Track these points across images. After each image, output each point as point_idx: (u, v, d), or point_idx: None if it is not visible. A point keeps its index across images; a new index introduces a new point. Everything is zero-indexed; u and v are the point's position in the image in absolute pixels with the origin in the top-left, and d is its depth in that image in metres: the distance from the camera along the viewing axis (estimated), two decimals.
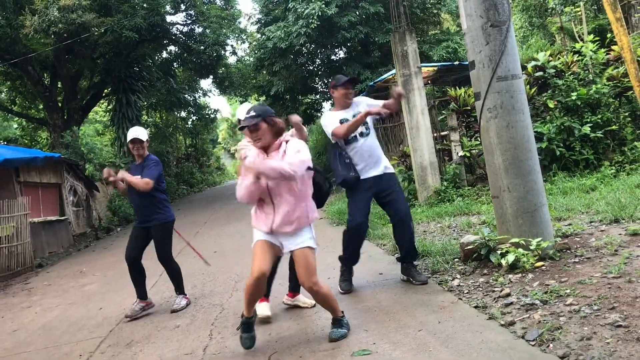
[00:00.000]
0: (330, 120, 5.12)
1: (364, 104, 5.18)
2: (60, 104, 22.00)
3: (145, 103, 26.99)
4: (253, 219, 4.01)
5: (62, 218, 14.73)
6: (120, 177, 5.44)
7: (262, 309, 4.60)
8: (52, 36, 17.11)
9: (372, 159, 5.06)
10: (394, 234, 5.27)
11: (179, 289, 5.80)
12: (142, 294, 5.70)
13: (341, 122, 5.08)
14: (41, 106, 24.02)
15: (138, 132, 5.64)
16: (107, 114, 27.48)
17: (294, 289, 4.87)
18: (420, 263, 5.87)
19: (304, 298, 4.83)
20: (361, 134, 5.04)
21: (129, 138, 5.63)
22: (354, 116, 5.03)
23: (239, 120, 4.42)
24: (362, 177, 5.04)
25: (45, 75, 22.71)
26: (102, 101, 26.84)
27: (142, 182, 5.40)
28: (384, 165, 5.12)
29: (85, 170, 18.05)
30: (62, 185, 15.42)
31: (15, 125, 29.01)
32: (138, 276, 5.67)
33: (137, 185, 5.39)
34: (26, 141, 26.24)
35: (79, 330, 5.52)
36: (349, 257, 5.29)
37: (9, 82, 23.74)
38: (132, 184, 5.41)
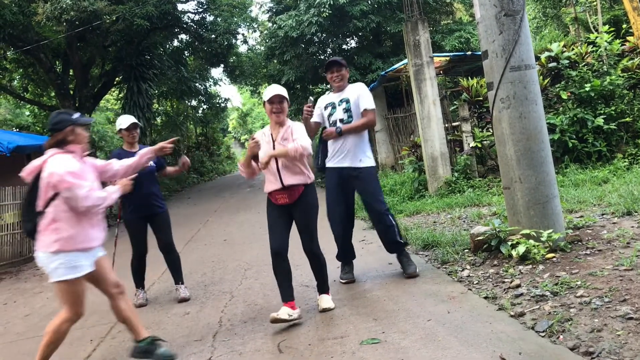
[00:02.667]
0: (317, 106, 5.30)
1: (356, 93, 5.07)
2: (71, 92, 22.07)
3: (156, 91, 26.98)
4: (77, 241, 3.52)
5: None
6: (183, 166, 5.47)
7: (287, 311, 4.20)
8: (64, 24, 17.12)
9: (347, 148, 5.02)
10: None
11: (181, 278, 5.73)
12: (143, 284, 5.79)
13: (326, 107, 5.20)
14: (53, 94, 24.13)
15: (132, 118, 5.61)
16: (119, 102, 27.57)
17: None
18: (430, 253, 5.87)
19: (327, 299, 4.54)
20: (341, 120, 5.06)
21: (124, 125, 5.48)
22: (341, 101, 5.08)
23: (265, 102, 4.41)
24: (332, 165, 5.10)
25: (57, 62, 22.78)
26: (113, 89, 26.90)
27: (185, 166, 5.50)
28: (359, 158, 5.03)
29: (96, 158, 18.11)
30: None
31: (28, 113, 29.19)
32: (144, 267, 5.74)
33: (178, 173, 5.62)
34: (38, 128, 26.39)
35: (90, 315, 5.54)
36: (340, 251, 5.29)
37: (21, 69, 23.85)
38: (173, 174, 5.59)
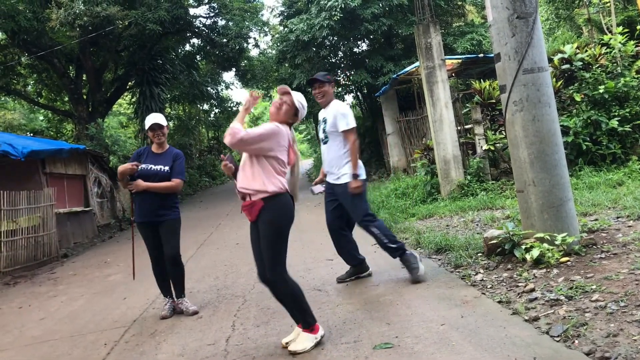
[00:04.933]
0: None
1: (332, 113, 5.11)
2: (85, 96, 22.31)
3: (169, 95, 27.18)
4: None
5: (87, 209, 14.95)
6: (143, 187, 5.07)
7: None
8: (78, 29, 17.32)
9: (327, 165, 5.28)
10: None
11: (182, 292, 5.38)
12: (169, 292, 5.41)
13: (318, 124, 5.48)
14: (66, 98, 24.39)
15: (157, 118, 5.30)
16: (131, 106, 27.85)
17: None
18: (443, 257, 5.84)
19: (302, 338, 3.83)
20: (322, 140, 5.29)
21: (148, 124, 5.23)
22: (323, 120, 5.22)
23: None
24: (327, 179, 5.39)
25: (71, 67, 23.02)
26: (126, 93, 27.15)
27: (174, 184, 5.19)
28: (336, 176, 5.17)
29: (109, 162, 18.26)
30: (87, 176, 15.64)
31: (41, 117, 29.55)
32: (165, 276, 5.35)
33: (168, 190, 5.18)
34: (52, 133, 26.72)
35: (104, 319, 5.59)
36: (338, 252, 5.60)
37: (35, 74, 24.16)
38: (162, 189, 5.14)
